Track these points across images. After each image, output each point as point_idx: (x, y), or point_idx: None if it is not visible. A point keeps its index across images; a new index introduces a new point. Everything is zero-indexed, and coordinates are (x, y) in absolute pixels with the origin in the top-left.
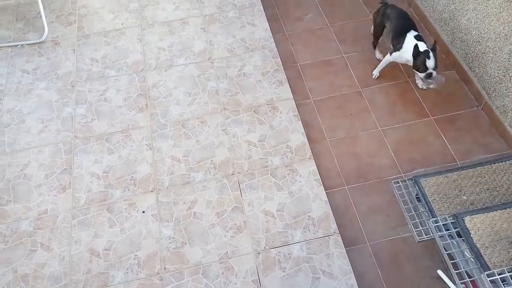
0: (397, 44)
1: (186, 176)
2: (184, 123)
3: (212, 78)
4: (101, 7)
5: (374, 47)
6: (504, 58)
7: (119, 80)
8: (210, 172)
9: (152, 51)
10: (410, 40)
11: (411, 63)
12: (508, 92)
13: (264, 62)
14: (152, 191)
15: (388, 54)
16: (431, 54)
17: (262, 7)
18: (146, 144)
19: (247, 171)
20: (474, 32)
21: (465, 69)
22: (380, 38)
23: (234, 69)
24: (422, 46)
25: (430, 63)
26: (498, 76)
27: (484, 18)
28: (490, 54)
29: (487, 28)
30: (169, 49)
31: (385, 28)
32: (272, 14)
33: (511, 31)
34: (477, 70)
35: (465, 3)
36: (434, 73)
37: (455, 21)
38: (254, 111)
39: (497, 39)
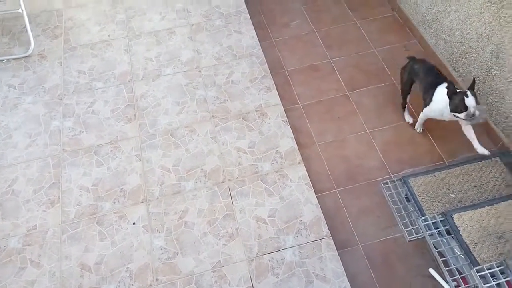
0: (427, 99)
1: (176, 185)
2: (173, 132)
3: (200, 86)
4: (87, 19)
5: (403, 108)
6: (487, 58)
7: (107, 92)
8: (200, 181)
9: (139, 61)
10: (440, 91)
11: (446, 114)
12: (492, 91)
13: (252, 69)
14: (142, 202)
15: (422, 112)
16: (469, 92)
17: (248, 15)
18: (135, 155)
19: (237, 178)
20: (457, 33)
21: (449, 70)
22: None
23: (222, 76)
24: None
25: (470, 101)
26: (481, 75)
27: (466, 19)
28: (473, 54)
29: (469, 29)
30: (156, 59)
31: (413, 85)
32: (258, 21)
33: (492, 31)
34: (461, 70)
35: (447, 5)
36: (477, 112)
37: (438, 23)
38: (243, 118)
39: (479, 39)
